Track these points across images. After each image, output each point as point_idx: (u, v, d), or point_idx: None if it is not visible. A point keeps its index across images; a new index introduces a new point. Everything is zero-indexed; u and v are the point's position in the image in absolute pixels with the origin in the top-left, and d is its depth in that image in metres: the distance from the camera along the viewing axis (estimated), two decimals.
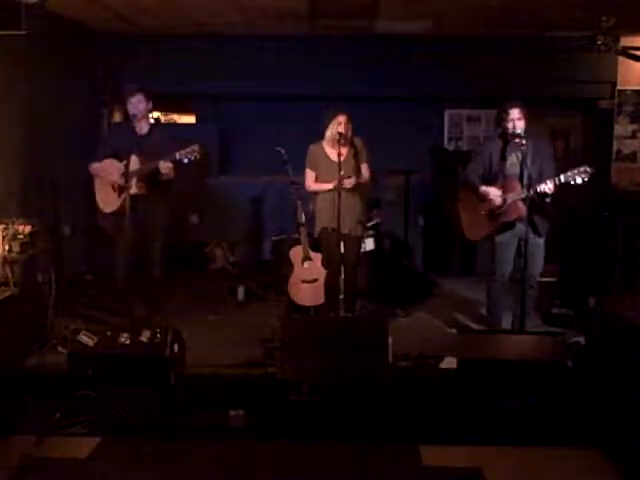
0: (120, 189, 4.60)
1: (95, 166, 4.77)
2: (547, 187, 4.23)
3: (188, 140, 4.60)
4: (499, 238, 4.62)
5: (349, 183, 4.56)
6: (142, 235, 4.71)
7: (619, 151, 6.88)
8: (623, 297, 5.06)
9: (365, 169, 4.76)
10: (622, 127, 6.86)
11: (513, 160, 4.47)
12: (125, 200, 4.47)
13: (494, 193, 4.51)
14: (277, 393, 3.62)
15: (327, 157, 4.70)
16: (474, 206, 4.69)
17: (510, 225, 4.54)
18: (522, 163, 4.32)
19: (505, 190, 4.47)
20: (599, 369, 3.86)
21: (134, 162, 4.59)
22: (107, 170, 4.69)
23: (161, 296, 5.06)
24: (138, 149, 4.55)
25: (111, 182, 4.67)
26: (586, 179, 4.13)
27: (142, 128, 4.75)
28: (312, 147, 4.78)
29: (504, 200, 4.46)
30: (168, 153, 4.51)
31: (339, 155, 4.38)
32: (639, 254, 5.39)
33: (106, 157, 4.73)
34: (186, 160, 4.47)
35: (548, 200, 4.39)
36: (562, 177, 4.20)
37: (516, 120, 4.39)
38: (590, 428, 3.35)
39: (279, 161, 5.20)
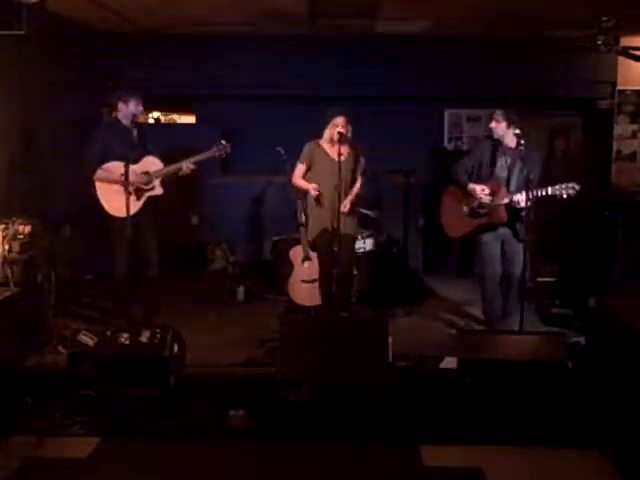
0: (138, 191, 4.59)
1: (101, 172, 4.64)
2: (521, 198, 4.29)
3: (188, 140, 4.60)
4: (483, 237, 4.69)
5: (345, 207, 4.49)
6: (140, 235, 4.70)
7: (619, 151, 6.88)
8: (623, 297, 5.05)
9: (359, 181, 4.69)
10: (622, 127, 6.86)
11: (502, 163, 4.56)
12: (146, 202, 4.62)
13: (481, 191, 4.56)
14: (277, 393, 3.62)
15: (327, 155, 4.61)
16: (457, 203, 4.77)
17: (492, 227, 4.62)
18: (510, 168, 4.43)
19: (491, 192, 4.54)
20: (599, 369, 3.86)
21: (155, 163, 4.68)
22: (117, 174, 4.55)
23: (160, 296, 5.05)
24: (139, 151, 4.61)
25: (122, 185, 4.49)
26: (572, 194, 4.20)
27: (134, 130, 4.78)
28: (309, 144, 4.67)
29: (489, 201, 4.51)
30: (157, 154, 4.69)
31: (339, 154, 4.34)
32: (639, 254, 5.38)
33: (101, 156, 4.65)
34: (217, 155, 4.71)
35: (523, 213, 4.39)
36: (550, 190, 4.25)
37: (493, 125, 4.55)
38: (590, 428, 3.36)
39: (279, 161, 5.21)
